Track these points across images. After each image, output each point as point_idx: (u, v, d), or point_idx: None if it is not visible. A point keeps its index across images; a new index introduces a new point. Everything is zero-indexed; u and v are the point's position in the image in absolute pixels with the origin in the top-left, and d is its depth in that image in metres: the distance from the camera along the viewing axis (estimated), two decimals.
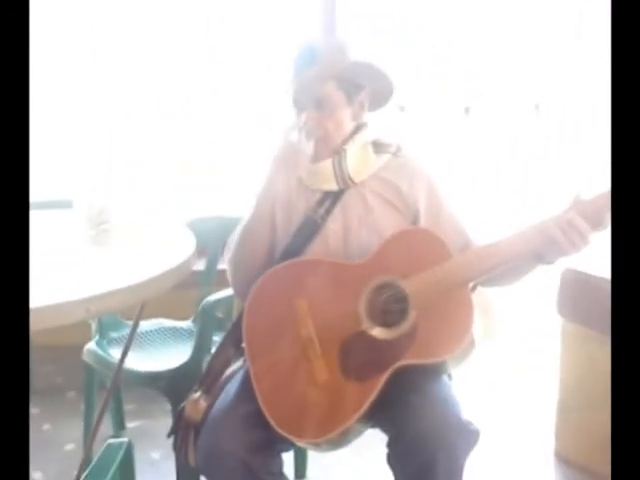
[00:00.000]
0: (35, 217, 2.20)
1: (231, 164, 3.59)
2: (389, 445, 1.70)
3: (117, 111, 3.31)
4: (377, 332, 1.69)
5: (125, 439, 1.38)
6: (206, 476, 1.76)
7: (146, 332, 2.55)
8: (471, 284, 1.74)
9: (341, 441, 1.78)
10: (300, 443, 1.76)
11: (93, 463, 1.29)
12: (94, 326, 2.52)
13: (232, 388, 1.80)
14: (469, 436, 1.67)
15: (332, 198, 1.84)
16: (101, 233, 1.81)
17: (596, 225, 1.61)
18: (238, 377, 1.83)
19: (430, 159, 1.90)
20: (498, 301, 3.59)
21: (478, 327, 1.88)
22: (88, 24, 3.36)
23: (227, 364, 1.88)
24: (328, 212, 1.83)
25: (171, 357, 2.36)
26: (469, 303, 1.67)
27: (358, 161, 1.82)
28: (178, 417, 1.85)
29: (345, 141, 1.82)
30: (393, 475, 1.73)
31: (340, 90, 1.78)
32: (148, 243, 1.81)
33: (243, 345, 1.82)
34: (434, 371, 1.76)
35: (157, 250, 1.88)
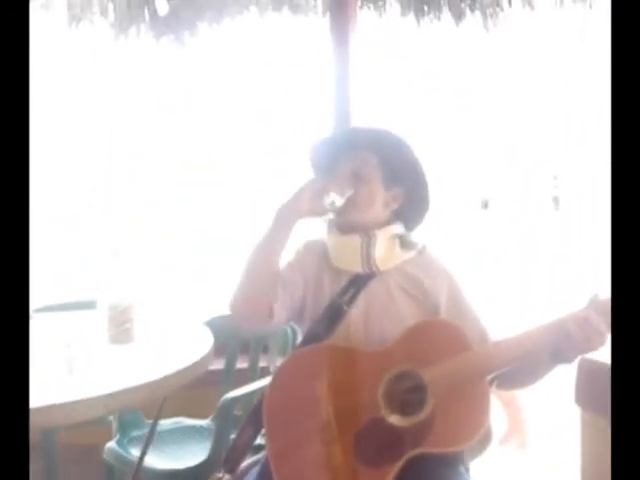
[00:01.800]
0: (60, 318, 2.29)
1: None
2: None
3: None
4: (394, 419, 1.72)
5: None
6: None
7: (166, 431, 2.57)
8: (489, 377, 1.77)
9: None
10: None
11: None
12: (115, 425, 2.56)
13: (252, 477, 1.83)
14: None
15: (357, 285, 1.89)
16: (122, 332, 1.88)
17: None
18: (257, 468, 1.86)
19: (452, 258, 1.96)
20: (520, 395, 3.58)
21: (498, 419, 1.89)
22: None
23: (249, 444, 1.91)
24: (353, 298, 1.88)
25: (190, 456, 2.37)
26: (486, 394, 1.71)
27: (385, 250, 1.89)
28: None
29: (375, 226, 1.89)
30: None
31: (379, 170, 1.88)
32: (166, 341, 1.87)
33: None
34: (450, 461, 1.78)
35: (175, 348, 1.93)
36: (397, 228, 1.94)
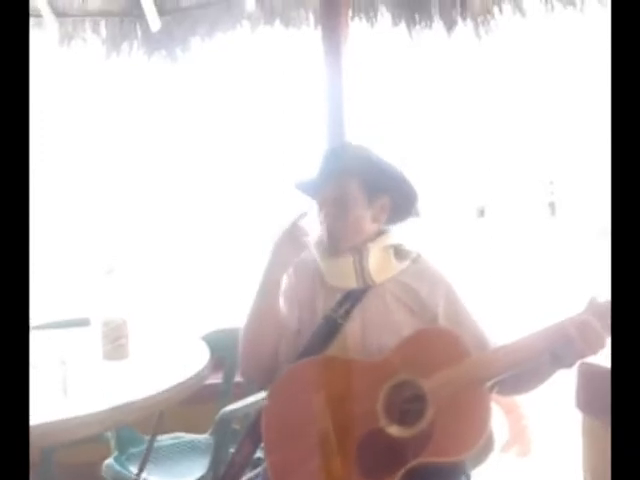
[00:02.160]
0: (54, 335, 2.28)
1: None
2: None
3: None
4: (394, 430, 1.71)
5: None
6: None
7: (164, 446, 2.56)
8: (489, 384, 1.76)
9: None
10: None
11: None
12: (113, 442, 2.54)
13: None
14: None
15: (352, 299, 1.88)
16: (116, 348, 1.87)
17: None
18: None
19: (448, 266, 1.96)
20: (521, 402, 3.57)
21: (500, 427, 1.88)
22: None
23: (248, 459, 1.90)
24: (348, 312, 1.87)
25: (189, 471, 2.36)
26: (486, 402, 1.70)
27: (379, 262, 1.88)
28: None
29: (365, 241, 1.88)
30: None
31: (362, 191, 1.87)
32: (162, 356, 1.86)
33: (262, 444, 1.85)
34: (451, 471, 1.77)
35: (170, 363, 1.92)
36: (389, 238, 1.93)
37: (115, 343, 1.86)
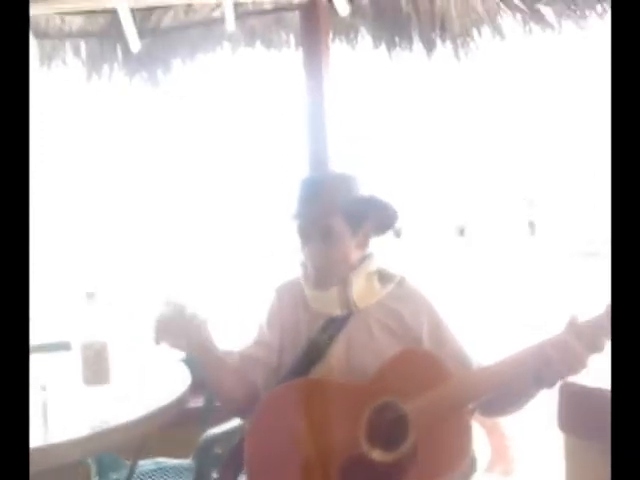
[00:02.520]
0: (34, 360, 2.25)
1: None
2: None
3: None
4: (376, 455, 1.70)
5: None
6: None
7: (146, 471, 2.52)
8: (470, 406, 1.76)
9: None
10: None
11: None
12: (94, 467, 2.51)
13: None
14: None
15: (336, 324, 1.89)
16: (97, 373, 1.85)
17: (592, 348, 1.63)
18: None
19: (430, 285, 1.97)
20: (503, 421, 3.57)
21: (483, 447, 1.88)
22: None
23: None
24: (332, 337, 1.87)
25: None
26: (468, 423, 1.69)
27: (363, 289, 1.89)
28: None
29: (350, 270, 1.89)
30: None
31: (345, 223, 1.86)
32: (143, 381, 1.85)
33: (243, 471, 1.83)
34: None
35: (151, 387, 1.91)
36: (373, 263, 1.93)
37: (95, 367, 1.83)
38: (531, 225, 14.92)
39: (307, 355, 1.88)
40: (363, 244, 1.92)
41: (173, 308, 1.77)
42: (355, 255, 1.90)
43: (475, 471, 1.82)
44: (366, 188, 1.92)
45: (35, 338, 2.47)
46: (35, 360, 2.24)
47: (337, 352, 1.86)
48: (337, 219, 1.85)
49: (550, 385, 1.71)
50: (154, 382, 1.93)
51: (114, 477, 2.49)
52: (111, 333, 1.90)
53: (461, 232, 14.92)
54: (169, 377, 2.08)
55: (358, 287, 1.88)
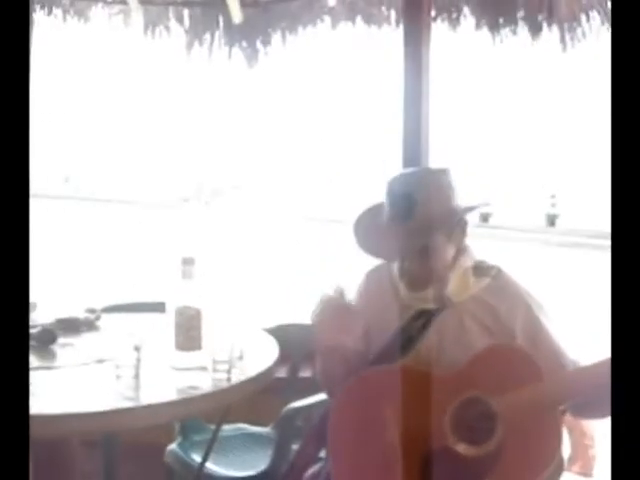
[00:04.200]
0: (128, 319, 2.33)
1: None
2: None
3: None
4: (462, 448, 1.68)
5: None
6: None
7: (227, 437, 2.58)
8: (562, 408, 1.73)
9: None
10: None
11: None
12: (177, 428, 2.58)
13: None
14: None
15: (428, 315, 1.86)
16: (190, 339, 1.89)
17: None
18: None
19: (528, 283, 1.91)
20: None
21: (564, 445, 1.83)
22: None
23: (309, 463, 1.90)
24: (424, 327, 1.85)
25: (250, 464, 2.38)
26: (558, 426, 1.66)
27: (458, 284, 1.85)
28: None
29: (447, 270, 1.85)
30: None
31: (442, 234, 1.82)
32: (232, 349, 1.88)
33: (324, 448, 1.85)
34: None
35: (240, 358, 1.94)
36: (468, 258, 1.89)
37: (188, 334, 1.88)
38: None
39: (397, 342, 1.86)
40: (459, 241, 1.88)
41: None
42: (451, 253, 1.86)
43: (561, 475, 1.77)
44: (452, 182, 1.85)
45: (131, 297, 2.55)
46: (130, 319, 2.33)
47: (428, 342, 1.84)
48: (434, 235, 1.81)
49: None
50: (244, 352, 1.96)
51: (196, 439, 2.56)
52: (205, 301, 1.93)
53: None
54: (259, 348, 2.11)
55: (453, 284, 1.85)
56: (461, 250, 1.89)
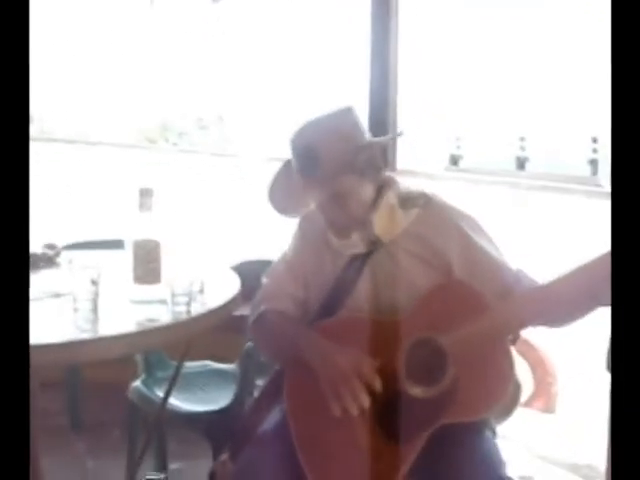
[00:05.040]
0: (87, 255, 2.29)
1: None
2: None
3: None
4: (417, 391, 1.66)
5: (162, 475, 1.41)
6: None
7: (192, 373, 2.58)
8: (510, 337, 1.70)
9: None
10: None
11: None
12: (141, 365, 2.57)
13: (271, 424, 1.80)
14: None
15: (361, 259, 1.81)
16: (149, 271, 1.85)
17: None
18: (277, 417, 1.82)
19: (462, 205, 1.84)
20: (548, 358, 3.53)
21: (525, 381, 1.83)
22: None
23: (257, 424, 1.84)
24: (358, 273, 1.81)
25: (214, 399, 2.38)
26: (509, 357, 1.63)
27: (385, 223, 1.79)
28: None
29: (369, 211, 1.79)
30: None
31: (353, 175, 1.75)
32: (193, 283, 1.85)
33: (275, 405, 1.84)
34: (476, 427, 1.70)
35: (200, 291, 1.91)
36: (391, 195, 1.81)
37: (147, 266, 1.84)
38: (593, 163, 14.74)
39: (334, 293, 1.82)
40: (375, 178, 1.80)
41: None
42: (370, 193, 1.79)
43: (518, 403, 1.77)
44: (358, 123, 1.78)
45: (89, 236, 2.51)
46: (87, 255, 2.28)
47: (364, 288, 1.80)
48: (343, 178, 1.74)
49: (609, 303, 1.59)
50: (205, 286, 1.92)
51: (160, 375, 2.55)
52: (163, 235, 1.89)
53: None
54: (220, 281, 2.08)
55: (380, 223, 1.78)
56: (384, 186, 1.82)
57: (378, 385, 1.64)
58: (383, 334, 1.70)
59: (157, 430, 2.66)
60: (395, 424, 1.66)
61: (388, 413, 1.68)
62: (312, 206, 1.85)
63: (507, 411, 1.75)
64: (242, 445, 1.77)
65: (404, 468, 1.63)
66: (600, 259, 1.55)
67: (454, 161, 15.33)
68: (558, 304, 1.62)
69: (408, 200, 1.81)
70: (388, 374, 1.68)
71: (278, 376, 1.89)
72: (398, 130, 1.82)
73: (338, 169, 1.72)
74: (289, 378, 1.81)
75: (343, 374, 1.64)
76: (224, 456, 1.83)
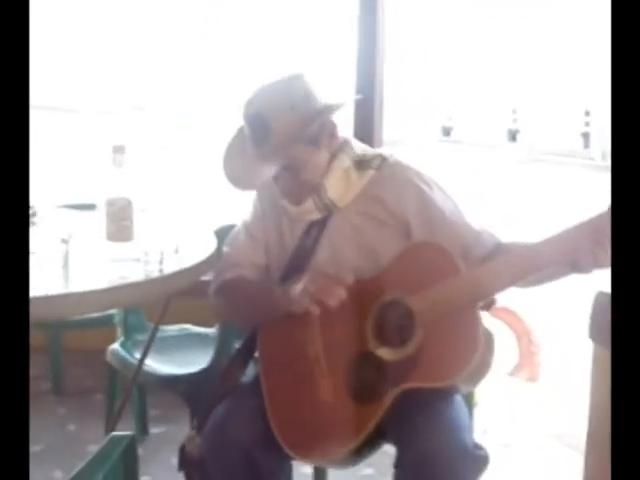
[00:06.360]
0: (58, 216, 2.26)
1: None
2: (395, 466, 1.64)
3: None
4: (383, 353, 1.65)
5: (129, 433, 1.39)
6: (209, 467, 1.70)
7: (171, 337, 2.57)
8: (482, 303, 1.64)
9: (350, 461, 1.76)
10: (307, 463, 1.74)
11: (94, 454, 1.30)
12: (120, 328, 2.55)
13: (244, 381, 1.83)
14: (475, 461, 1.61)
15: (318, 226, 1.79)
16: (121, 229, 1.83)
17: None
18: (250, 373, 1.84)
19: (419, 166, 1.79)
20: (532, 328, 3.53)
21: (510, 351, 1.80)
22: None
23: (229, 387, 1.85)
24: (316, 240, 1.78)
25: (193, 362, 2.36)
26: (477, 323, 1.58)
27: (339, 187, 1.75)
28: (181, 454, 1.81)
29: (322, 176, 1.75)
30: None
31: (305, 144, 1.71)
32: (166, 241, 1.83)
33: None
34: (444, 391, 1.67)
35: (175, 250, 1.89)
36: (345, 158, 1.77)
37: (119, 224, 1.82)
38: (585, 136, 14.75)
39: (294, 261, 1.80)
40: (330, 144, 1.76)
41: None
42: (325, 160, 1.75)
43: (486, 373, 1.72)
44: (312, 85, 1.73)
45: (62, 200, 2.48)
46: (59, 216, 2.26)
47: (323, 254, 1.77)
48: (294, 148, 1.70)
49: (585, 270, 1.53)
50: (180, 245, 1.90)
51: (139, 338, 2.54)
52: (138, 192, 1.87)
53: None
54: (195, 242, 2.05)
55: (334, 188, 1.74)
56: (337, 150, 1.77)
57: (349, 279, 1.61)
58: (352, 295, 1.64)
59: (138, 395, 2.66)
60: (361, 384, 1.66)
61: (355, 372, 1.67)
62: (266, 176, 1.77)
63: (476, 378, 1.70)
64: (210, 412, 1.76)
65: (369, 427, 1.62)
66: (582, 225, 1.53)
67: (446, 132, 15.34)
68: (533, 269, 1.59)
69: (363, 162, 1.77)
70: (357, 334, 1.67)
71: (249, 340, 1.89)
72: (357, 95, 1.78)
73: (289, 140, 1.68)
74: (262, 338, 1.81)
75: (314, 277, 1.65)
76: (193, 431, 1.81)
